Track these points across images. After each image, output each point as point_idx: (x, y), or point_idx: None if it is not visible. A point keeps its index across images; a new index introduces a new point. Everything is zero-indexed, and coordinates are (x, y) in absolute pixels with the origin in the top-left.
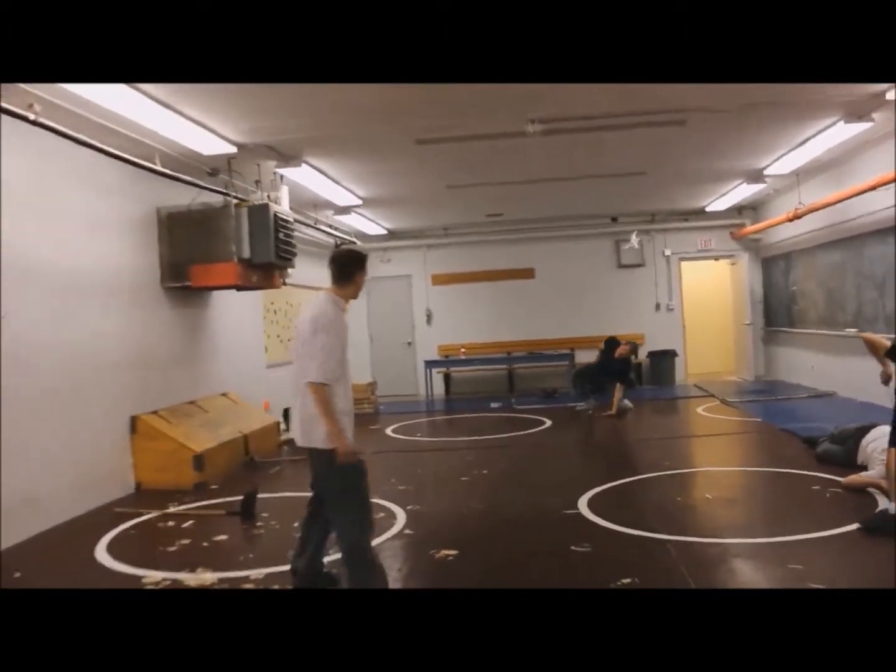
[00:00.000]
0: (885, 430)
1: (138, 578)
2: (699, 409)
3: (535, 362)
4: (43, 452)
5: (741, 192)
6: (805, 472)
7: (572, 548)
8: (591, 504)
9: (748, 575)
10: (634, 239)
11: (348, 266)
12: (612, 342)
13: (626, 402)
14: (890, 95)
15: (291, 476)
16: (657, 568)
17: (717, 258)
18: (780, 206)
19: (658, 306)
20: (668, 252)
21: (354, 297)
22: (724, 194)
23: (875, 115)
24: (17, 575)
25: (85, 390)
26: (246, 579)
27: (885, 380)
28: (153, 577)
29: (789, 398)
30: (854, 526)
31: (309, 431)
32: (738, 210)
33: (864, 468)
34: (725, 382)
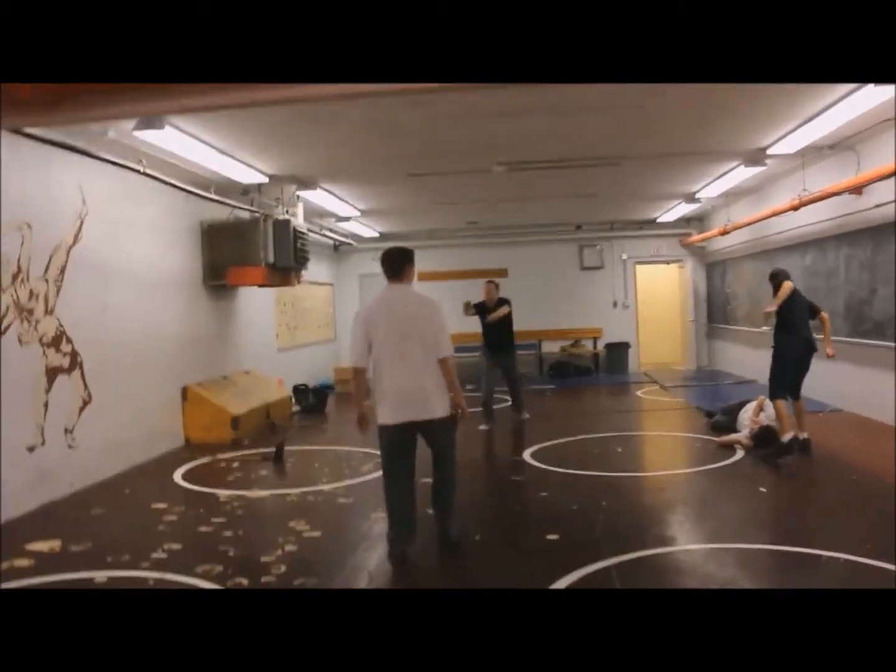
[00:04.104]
0: (753, 403)
1: (214, 495)
2: (639, 392)
3: None
4: (123, 412)
5: (682, 209)
6: (696, 436)
7: (513, 478)
8: (534, 455)
9: (628, 493)
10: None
11: (409, 261)
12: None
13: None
14: (772, 151)
15: (302, 436)
16: (563, 488)
17: (667, 262)
18: (718, 221)
19: (615, 304)
20: (624, 256)
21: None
22: (669, 209)
23: (768, 162)
24: (127, 491)
25: (148, 365)
26: (288, 495)
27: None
28: (223, 493)
29: (717, 384)
30: (710, 466)
31: (432, 403)
32: (687, 221)
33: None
34: (671, 371)
